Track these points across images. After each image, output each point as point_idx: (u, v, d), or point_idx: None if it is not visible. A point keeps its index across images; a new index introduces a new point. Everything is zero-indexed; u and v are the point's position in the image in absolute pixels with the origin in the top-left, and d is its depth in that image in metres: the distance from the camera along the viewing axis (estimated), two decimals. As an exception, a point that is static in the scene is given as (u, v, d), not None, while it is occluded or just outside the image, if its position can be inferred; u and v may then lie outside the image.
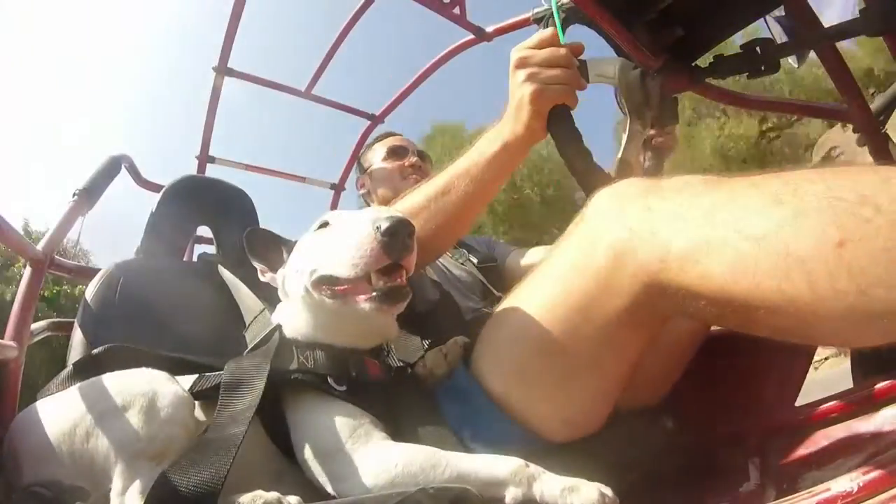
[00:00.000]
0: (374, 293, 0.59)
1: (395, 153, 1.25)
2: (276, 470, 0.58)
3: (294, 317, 0.67)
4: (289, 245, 0.72)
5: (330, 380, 0.58)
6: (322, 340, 0.63)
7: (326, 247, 0.63)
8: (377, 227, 0.58)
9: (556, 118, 0.71)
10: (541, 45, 0.71)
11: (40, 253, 0.95)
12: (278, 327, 0.66)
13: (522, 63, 0.70)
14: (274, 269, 0.73)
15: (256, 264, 0.75)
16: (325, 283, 0.62)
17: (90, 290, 0.98)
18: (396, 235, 0.58)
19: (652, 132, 0.89)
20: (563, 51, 0.70)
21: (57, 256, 1.02)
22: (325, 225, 0.67)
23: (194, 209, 1.24)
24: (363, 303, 0.60)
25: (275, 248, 0.73)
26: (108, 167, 1.21)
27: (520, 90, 0.70)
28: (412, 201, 0.79)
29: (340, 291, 0.61)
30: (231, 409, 0.54)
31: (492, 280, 1.06)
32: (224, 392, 0.56)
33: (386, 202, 1.19)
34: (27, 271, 0.93)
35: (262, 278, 0.75)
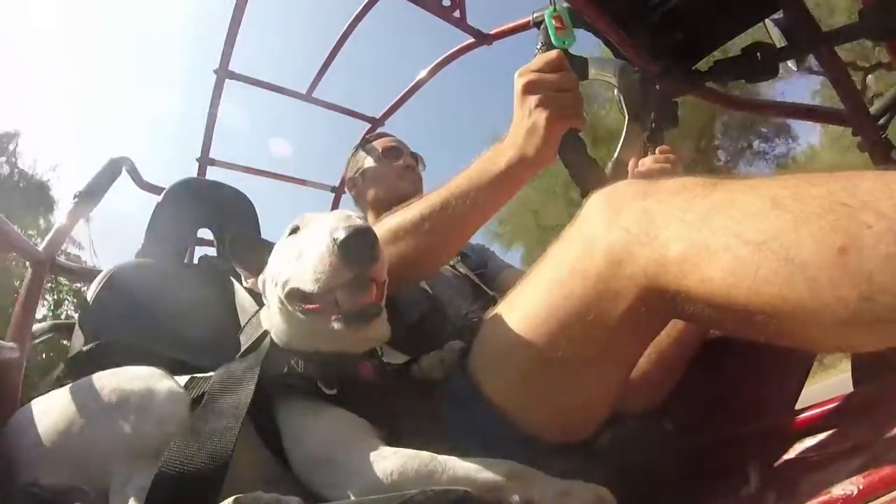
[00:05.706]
0: (341, 315, 0.57)
1: (389, 154, 1.23)
2: (270, 475, 0.57)
3: (277, 325, 0.65)
4: (272, 248, 0.70)
5: (319, 384, 0.57)
6: (307, 348, 0.62)
7: (294, 256, 0.61)
8: (334, 239, 0.55)
9: (569, 143, 0.70)
10: (547, 69, 0.69)
11: (41, 254, 0.95)
12: (267, 332, 0.65)
13: (533, 87, 0.68)
14: (256, 275, 0.72)
15: (240, 270, 0.74)
16: (296, 297, 0.61)
17: (91, 292, 0.99)
18: (355, 246, 0.55)
19: (647, 160, 0.88)
20: (571, 74, 0.69)
21: (59, 258, 1.02)
22: (296, 230, 0.65)
23: (195, 211, 1.24)
24: (332, 322, 0.58)
25: (259, 252, 0.72)
26: (109, 169, 1.21)
27: (534, 115, 0.68)
28: (406, 217, 0.78)
29: (310, 310, 0.60)
30: (218, 405, 0.53)
31: (482, 283, 1.04)
32: (211, 393, 0.55)
33: (378, 203, 1.18)
34: (29, 272, 0.93)
35: (245, 284, 0.74)
